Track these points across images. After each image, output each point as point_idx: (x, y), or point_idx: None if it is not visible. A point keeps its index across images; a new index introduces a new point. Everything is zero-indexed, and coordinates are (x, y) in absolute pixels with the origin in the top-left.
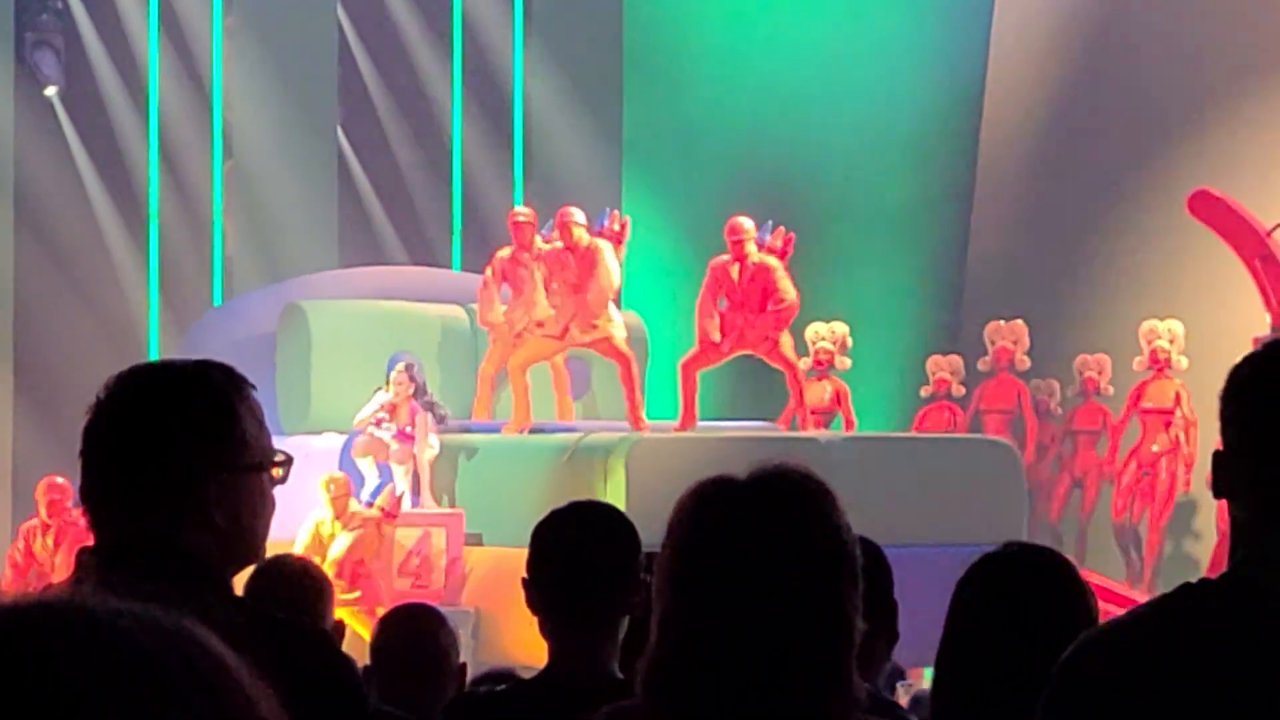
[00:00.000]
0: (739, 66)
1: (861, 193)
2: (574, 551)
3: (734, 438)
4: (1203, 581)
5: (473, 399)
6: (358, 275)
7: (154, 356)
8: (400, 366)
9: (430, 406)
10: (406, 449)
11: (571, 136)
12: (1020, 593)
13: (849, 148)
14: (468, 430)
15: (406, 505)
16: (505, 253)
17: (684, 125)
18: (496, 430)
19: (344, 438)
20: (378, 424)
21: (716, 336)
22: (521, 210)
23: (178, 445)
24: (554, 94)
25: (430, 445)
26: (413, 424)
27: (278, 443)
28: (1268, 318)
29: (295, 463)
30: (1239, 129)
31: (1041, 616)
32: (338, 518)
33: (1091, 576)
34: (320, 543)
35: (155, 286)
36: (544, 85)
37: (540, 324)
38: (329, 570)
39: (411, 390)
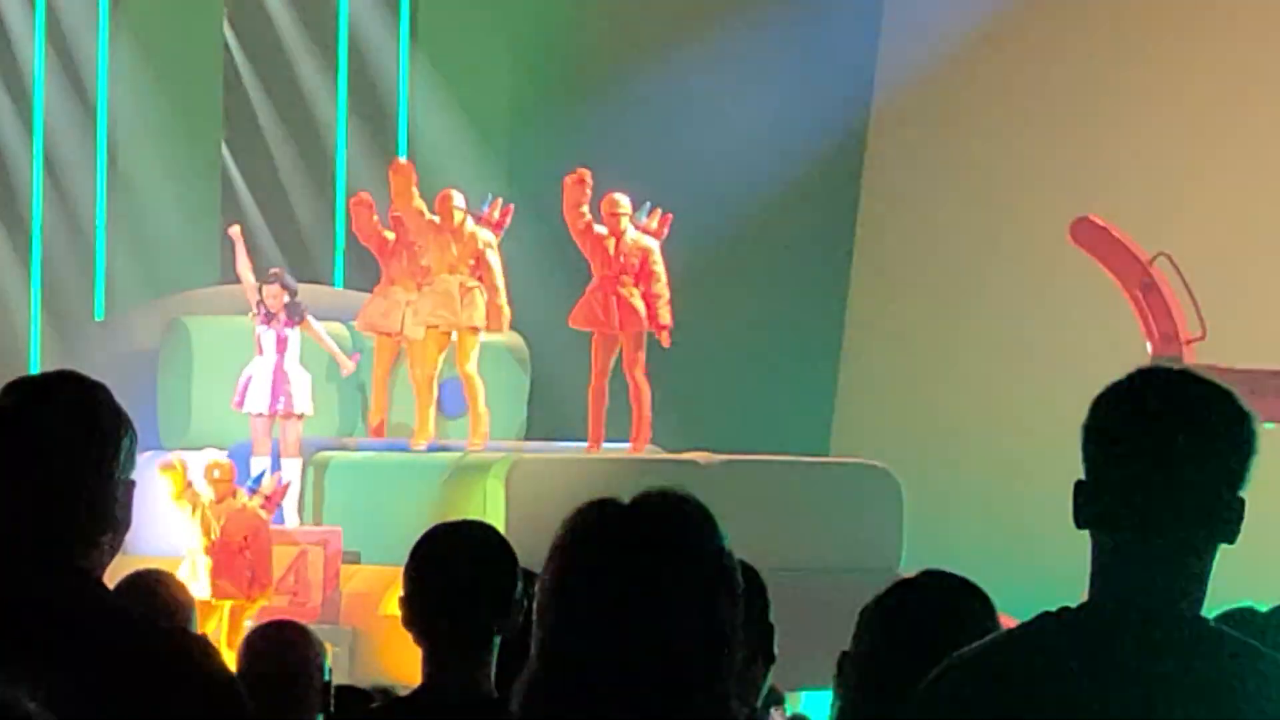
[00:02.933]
0: (631, 95)
1: (746, 232)
2: (450, 570)
3: (613, 459)
4: (1062, 610)
5: (366, 412)
6: (241, 291)
7: (35, 369)
8: (270, 276)
9: (294, 308)
10: (296, 427)
11: (457, 154)
12: (930, 619)
13: (731, 188)
14: (368, 447)
15: (294, 494)
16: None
17: (573, 146)
18: (402, 448)
19: (224, 454)
20: (257, 309)
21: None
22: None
23: (85, 452)
24: (440, 111)
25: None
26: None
27: (155, 457)
28: (1148, 347)
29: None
30: (1123, 156)
31: (950, 644)
32: (219, 502)
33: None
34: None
35: (37, 299)
36: (430, 102)
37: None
38: (205, 551)
39: (286, 299)
